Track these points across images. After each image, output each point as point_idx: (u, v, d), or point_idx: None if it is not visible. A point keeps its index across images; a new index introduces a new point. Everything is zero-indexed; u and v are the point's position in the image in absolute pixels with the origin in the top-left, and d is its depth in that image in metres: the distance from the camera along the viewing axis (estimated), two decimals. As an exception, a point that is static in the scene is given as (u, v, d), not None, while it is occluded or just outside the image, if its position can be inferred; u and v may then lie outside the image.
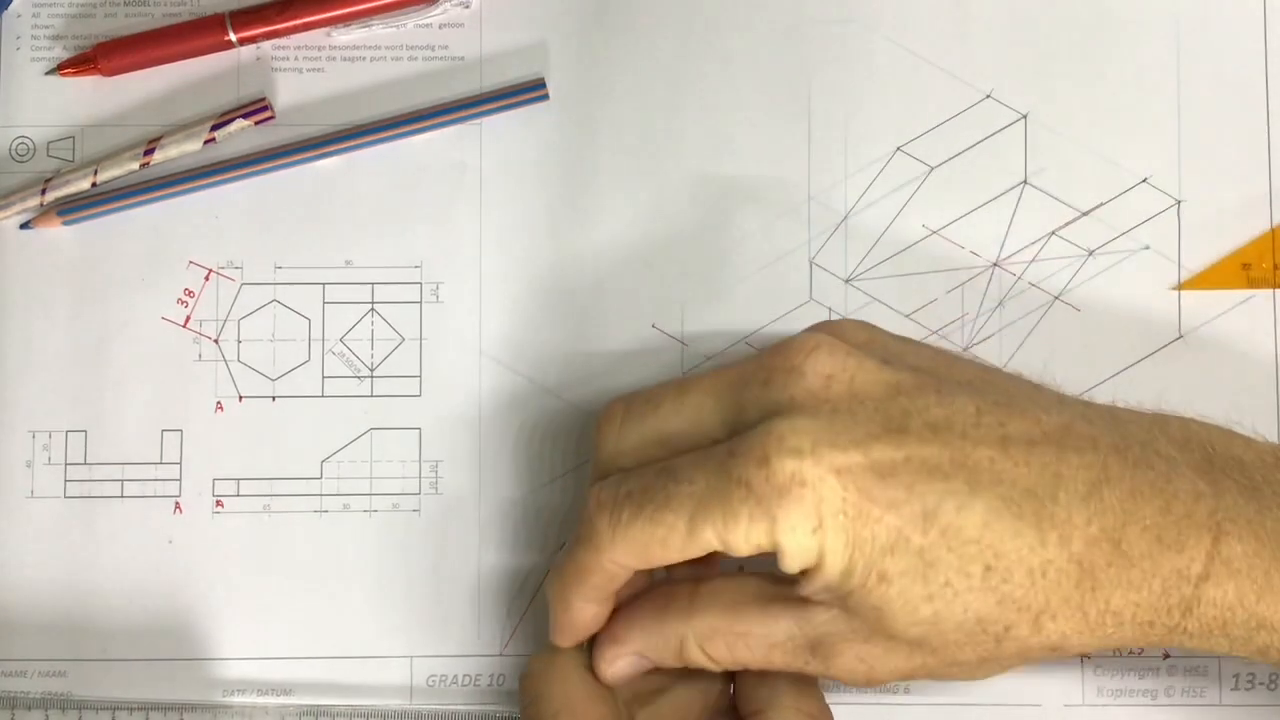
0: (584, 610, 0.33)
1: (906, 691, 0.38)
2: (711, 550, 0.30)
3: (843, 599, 0.30)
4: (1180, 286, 0.39)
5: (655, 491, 0.31)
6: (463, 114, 0.39)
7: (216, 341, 0.39)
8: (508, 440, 0.38)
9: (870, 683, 0.32)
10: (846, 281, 0.39)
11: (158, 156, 0.38)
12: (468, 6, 0.39)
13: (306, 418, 0.38)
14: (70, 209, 0.38)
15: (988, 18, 0.39)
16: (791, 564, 0.30)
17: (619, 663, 0.33)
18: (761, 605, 0.32)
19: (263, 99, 0.39)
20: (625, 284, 0.39)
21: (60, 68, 0.39)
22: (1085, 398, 0.38)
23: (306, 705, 0.38)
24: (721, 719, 0.35)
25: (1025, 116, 0.39)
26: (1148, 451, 0.31)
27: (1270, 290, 0.39)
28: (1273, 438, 0.38)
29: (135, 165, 0.38)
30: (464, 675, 0.38)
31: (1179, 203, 0.39)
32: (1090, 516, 0.30)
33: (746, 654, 0.32)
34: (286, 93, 0.39)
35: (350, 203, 0.39)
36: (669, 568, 0.33)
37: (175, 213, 0.39)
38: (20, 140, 0.39)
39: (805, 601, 0.31)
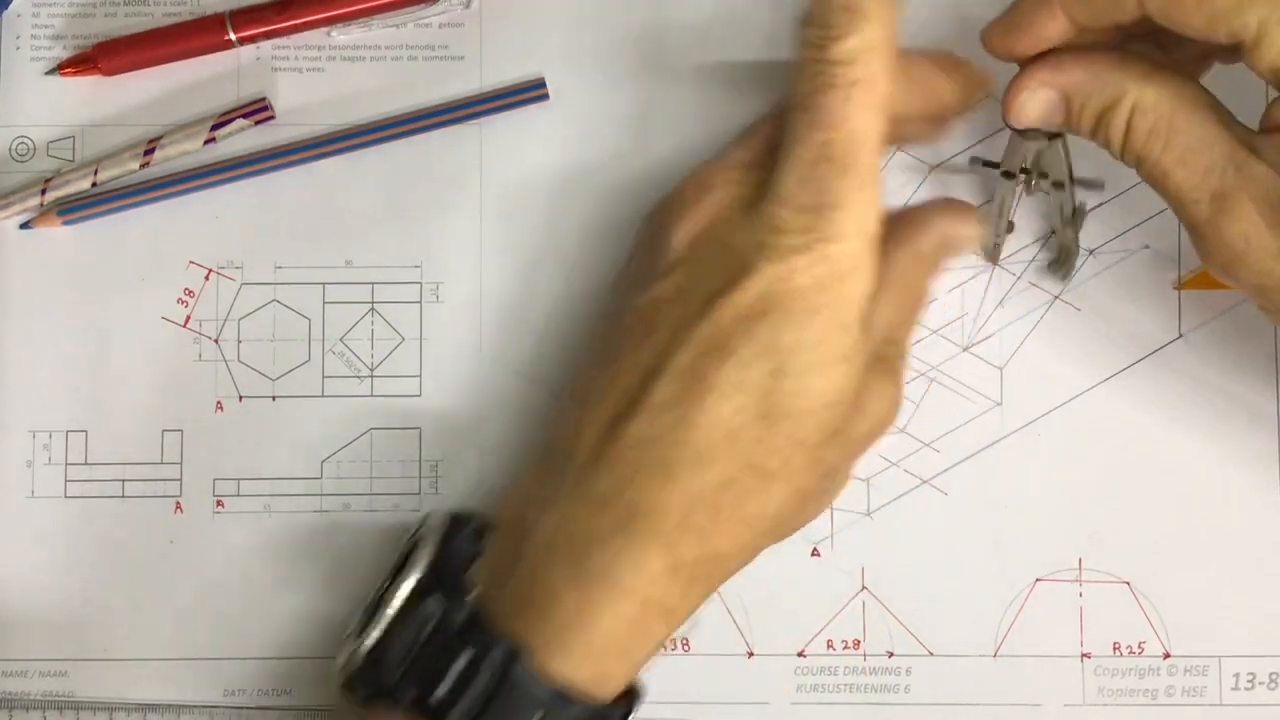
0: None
1: (907, 691, 0.38)
2: None
3: None
4: (1180, 286, 0.39)
5: None
6: (463, 114, 0.39)
7: (216, 341, 0.39)
8: (508, 440, 0.38)
9: (1226, 271, 0.31)
10: (846, 281, 0.39)
11: (158, 156, 0.38)
12: (468, 6, 0.39)
13: (306, 418, 0.38)
14: (70, 209, 0.38)
15: (987, 19, 0.39)
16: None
17: (1039, 95, 0.32)
18: (1214, 115, 0.31)
19: (263, 99, 0.39)
20: (625, 284, 0.39)
21: (60, 68, 0.39)
22: (1084, 398, 0.38)
23: (306, 705, 0.38)
24: None
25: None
26: None
27: (1270, 290, 0.39)
28: (1273, 437, 0.38)
29: (135, 165, 0.38)
30: (464, 675, 0.38)
31: (1179, 203, 0.39)
32: None
33: (1156, 148, 0.31)
34: (286, 93, 0.39)
35: (350, 203, 0.39)
36: None
37: (175, 213, 0.39)
38: (20, 140, 0.39)
39: (1253, 146, 0.30)
